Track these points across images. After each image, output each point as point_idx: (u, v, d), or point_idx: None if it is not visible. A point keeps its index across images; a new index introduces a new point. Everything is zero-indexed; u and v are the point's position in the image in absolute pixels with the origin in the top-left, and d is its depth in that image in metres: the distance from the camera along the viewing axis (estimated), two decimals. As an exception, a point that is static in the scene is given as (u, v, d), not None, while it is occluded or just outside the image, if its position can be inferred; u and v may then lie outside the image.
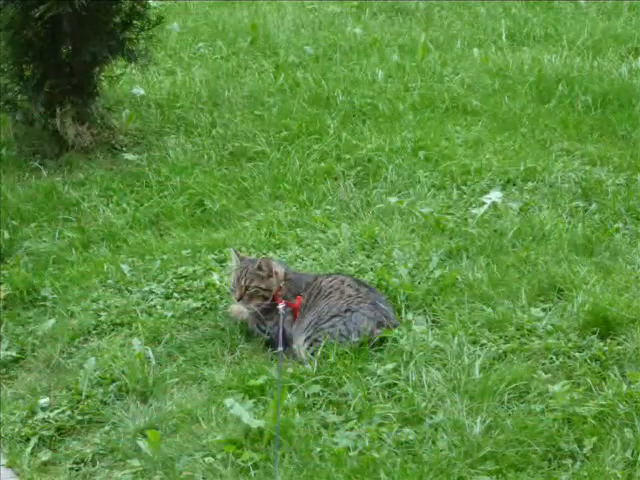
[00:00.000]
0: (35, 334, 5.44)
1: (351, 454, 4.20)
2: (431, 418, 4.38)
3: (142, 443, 4.43)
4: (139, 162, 7.19)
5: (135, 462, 4.39)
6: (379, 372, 4.67)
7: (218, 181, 6.76)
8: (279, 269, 5.20)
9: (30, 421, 4.77)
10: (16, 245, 6.34)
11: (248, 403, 4.48)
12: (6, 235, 6.39)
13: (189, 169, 6.97)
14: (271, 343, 5.08)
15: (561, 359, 4.69)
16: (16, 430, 4.73)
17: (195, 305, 5.42)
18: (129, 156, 7.31)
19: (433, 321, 5.09)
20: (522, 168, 6.59)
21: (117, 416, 4.69)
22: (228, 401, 4.50)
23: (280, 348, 4.82)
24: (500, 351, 4.77)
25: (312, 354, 4.88)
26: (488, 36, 9.57)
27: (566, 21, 10.01)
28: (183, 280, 5.65)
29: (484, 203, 6.18)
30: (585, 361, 4.67)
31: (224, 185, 6.71)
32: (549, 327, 4.92)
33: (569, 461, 4.12)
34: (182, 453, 4.36)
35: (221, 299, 5.45)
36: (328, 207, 6.37)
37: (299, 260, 5.78)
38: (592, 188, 6.33)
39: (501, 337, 4.88)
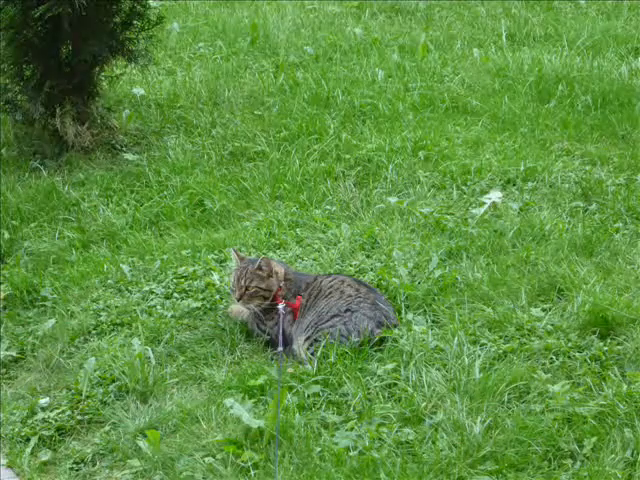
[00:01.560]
0: (35, 334, 5.44)
1: (351, 454, 4.21)
2: (431, 418, 4.38)
3: (142, 443, 4.44)
4: (139, 162, 7.19)
5: (135, 462, 4.39)
6: (379, 372, 4.67)
7: (218, 181, 6.76)
8: (279, 269, 5.20)
9: (30, 421, 4.78)
10: (16, 245, 6.34)
11: (248, 403, 4.48)
12: (6, 235, 6.40)
13: (189, 169, 6.97)
14: (271, 343, 5.09)
15: (561, 359, 4.69)
16: (16, 430, 4.73)
17: (195, 305, 5.42)
18: (129, 156, 7.31)
19: (433, 321, 5.09)
20: (522, 168, 6.59)
21: (117, 416, 4.69)
22: (228, 401, 4.50)
23: (280, 348, 4.83)
24: (500, 351, 4.77)
25: (312, 354, 4.88)
26: (488, 36, 9.56)
27: (566, 21, 10.00)
28: (183, 280, 5.65)
29: (484, 203, 6.18)
30: (585, 361, 4.67)
31: (224, 185, 6.71)
32: (549, 327, 4.92)
33: (569, 461, 4.12)
34: (182, 453, 4.36)
35: (221, 299, 5.45)
36: (328, 207, 6.37)
37: (299, 260, 5.78)
38: (592, 188, 6.33)
39: (501, 337, 4.88)
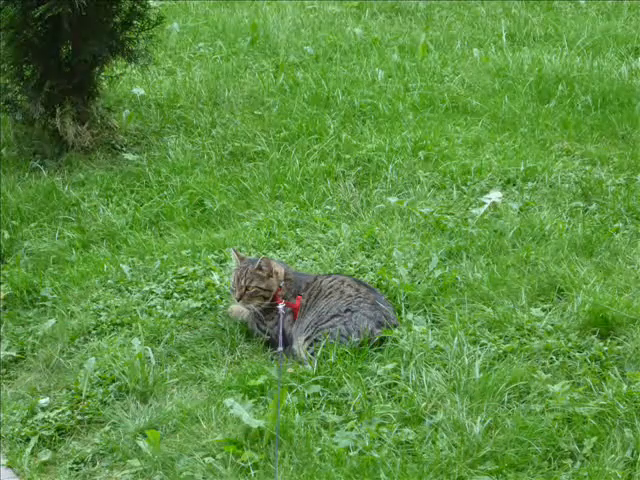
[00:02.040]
0: (35, 334, 5.44)
1: (351, 454, 4.21)
2: (431, 418, 4.38)
3: (142, 443, 4.44)
4: (139, 162, 7.19)
5: (135, 462, 4.39)
6: (379, 372, 4.67)
7: (218, 181, 6.76)
8: (279, 269, 5.20)
9: (30, 421, 4.78)
10: (16, 245, 6.34)
11: (248, 403, 4.48)
12: (6, 235, 6.40)
13: (189, 169, 6.97)
14: (271, 343, 5.09)
15: (561, 359, 4.70)
16: (16, 430, 4.73)
17: (195, 305, 5.42)
18: (129, 156, 7.31)
19: (433, 321, 5.09)
20: (522, 168, 6.59)
21: (117, 416, 4.69)
22: (228, 401, 4.50)
23: (280, 348, 4.83)
24: (500, 351, 4.77)
25: (312, 354, 4.88)
26: (488, 36, 9.56)
27: (566, 21, 10.00)
28: (183, 280, 5.65)
29: (484, 203, 6.18)
30: (585, 361, 4.67)
31: (224, 185, 6.71)
32: (549, 327, 4.92)
33: (569, 461, 4.12)
34: (182, 453, 4.36)
35: (221, 299, 5.45)
36: (328, 207, 6.37)
37: (299, 260, 5.78)
38: (592, 188, 6.33)
39: (501, 337, 4.88)
